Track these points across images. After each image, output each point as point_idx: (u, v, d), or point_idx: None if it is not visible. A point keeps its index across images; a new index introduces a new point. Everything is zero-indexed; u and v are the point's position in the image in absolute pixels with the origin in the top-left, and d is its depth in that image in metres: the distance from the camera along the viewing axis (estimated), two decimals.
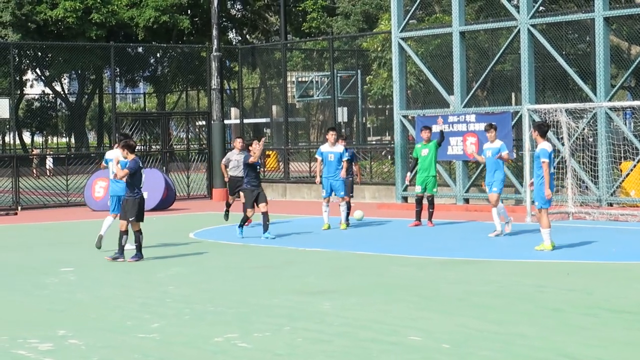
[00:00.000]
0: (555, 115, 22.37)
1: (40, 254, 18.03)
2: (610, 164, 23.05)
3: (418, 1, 27.11)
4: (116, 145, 19.03)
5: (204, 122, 35.63)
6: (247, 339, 9.82)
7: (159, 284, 13.85)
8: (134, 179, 16.18)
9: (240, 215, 20.46)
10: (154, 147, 44.53)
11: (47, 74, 61.77)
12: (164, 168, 32.28)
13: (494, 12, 28.64)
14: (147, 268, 15.59)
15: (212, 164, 32.42)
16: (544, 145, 16.35)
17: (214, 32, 32.52)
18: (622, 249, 16.69)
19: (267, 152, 27.64)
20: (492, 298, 11.87)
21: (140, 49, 62.77)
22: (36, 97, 68.27)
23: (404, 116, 27.02)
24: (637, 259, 15.31)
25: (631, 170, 22.79)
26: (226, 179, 22.42)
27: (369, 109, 45.35)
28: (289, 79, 35.77)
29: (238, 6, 63.07)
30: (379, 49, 34.57)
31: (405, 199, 26.88)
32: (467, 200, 25.81)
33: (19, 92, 59.85)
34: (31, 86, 70.52)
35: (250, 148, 19.07)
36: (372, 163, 31.37)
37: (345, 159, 21.01)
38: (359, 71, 36.63)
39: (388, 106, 41.31)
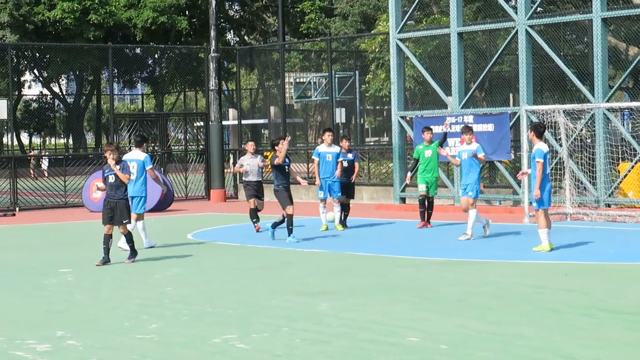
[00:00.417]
0: (553, 116, 22.38)
1: (39, 255, 18.02)
2: (608, 165, 23.06)
3: (416, 2, 27.13)
4: (134, 146, 19.08)
5: (202, 123, 35.62)
6: (245, 339, 9.82)
7: (157, 284, 13.85)
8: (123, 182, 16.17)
9: (270, 218, 20.08)
10: (151, 148, 44.58)
11: (45, 74, 61.76)
12: (162, 169, 32.28)
13: (492, 13, 28.65)
14: (146, 269, 15.59)
15: (210, 165, 32.42)
16: (539, 146, 16.37)
17: (212, 33, 32.52)
18: (619, 250, 16.70)
19: (264, 153, 27.57)
20: (490, 299, 11.88)
21: (138, 50, 62.76)
22: (34, 98, 68.26)
23: (402, 117, 27.03)
24: (635, 260, 15.33)
25: (629, 171, 22.80)
26: (241, 170, 21.20)
27: (366, 109, 45.37)
28: (286, 79, 35.78)
29: (236, 7, 63.07)
30: (377, 50, 34.59)
31: (403, 199, 26.89)
32: None
33: (16, 93, 59.84)
34: (29, 87, 70.52)
35: (276, 148, 18.70)
36: (370, 164, 31.36)
37: (341, 159, 20.94)
38: (356, 72, 36.64)
39: (386, 107, 41.31)
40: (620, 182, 23.00)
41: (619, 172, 23.30)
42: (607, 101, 22.99)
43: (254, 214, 20.76)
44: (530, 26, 24.20)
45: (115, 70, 58.50)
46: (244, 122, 41.01)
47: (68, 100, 67.31)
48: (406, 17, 27.30)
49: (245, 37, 62.75)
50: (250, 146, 21.39)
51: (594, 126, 23.13)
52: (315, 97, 37.29)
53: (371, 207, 26.83)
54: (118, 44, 52.14)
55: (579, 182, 23.22)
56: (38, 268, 16.01)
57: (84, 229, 22.29)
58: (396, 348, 9.25)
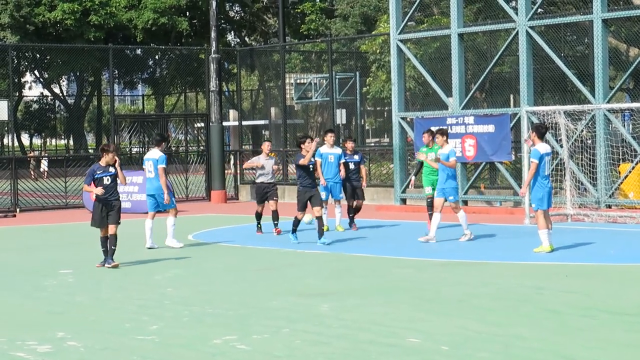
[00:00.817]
0: (554, 117, 22.39)
1: (39, 256, 18.02)
2: (608, 165, 23.06)
3: (416, 3, 27.13)
4: (154, 145, 19.20)
5: (202, 124, 35.62)
6: (246, 340, 9.83)
7: (157, 286, 13.85)
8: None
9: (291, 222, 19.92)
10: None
11: (46, 75, 61.76)
12: None
13: (493, 14, 28.64)
14: (146, 270, 15.59)
15: (211, 166, 32.42)
16: (537, 147, 16.37)
17: (213, 34, 32.52)
18: (620, 251, 16.70)
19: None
20: (491, 300, 11.88)
21: (138, 51, 62.75)
22: (35, 99, 68.25)
23: (403, 118, 27.03)
24: (636, 261, 15.32)
25: (630, 172, 22.79)
26: (258, 165, 20.61)
27: (367, 111, 45.34)
28: (287, 80, 35.77)
29: (237, 8, 63.06)
30: (378, 51, 34.58)
31: (404, 201, 26.89)
32: (465, 202, 25.81)
33: (17, 94, 59.85)
34: (30, 88, 70.52)
35: (302, 147, 18.52)
36: (370, 165, 31.35)
37: (340, 161, 20.89)
38: (357, 73, 36.64)
39: (386, 108, 41.30)
40: (621, 183, 23.00)
41: (619, 173, 23.30)
42: (608, 102, 22.99)
43: (259, 217, 20.70)
44: (530, 27, 24.21)
45: (116, 71, 58.50)
46: (244, 123, 41.02)
47: (69, 101, 67.30)
48: (407, 18, 27.30)
49: (246, 38, 62.76)
50: (266, 146, 20.94)
51: (595, 127, 23.12)
52: (316, 98, 37.26)
53: (372, 208, 26.82)
54: (119, 45, 52.12)
55: (580, 183, 23.22)
56: (38, 269, 16.01)
57: (84, 230, 22.26)
58: (396, 349, 9.26)
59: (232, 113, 47.60)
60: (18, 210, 29.14)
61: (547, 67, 26.62)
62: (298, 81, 38.28)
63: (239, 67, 37.39)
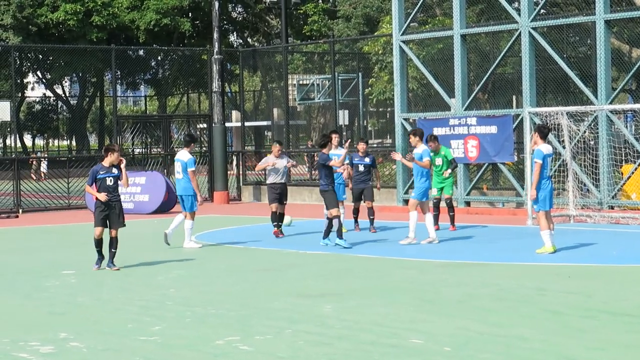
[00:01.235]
0: (557, 118, 22.38)
1: (41, 257, 18.04)
2: (611, 166, 23.05)
3: (419, 4, 27.13)
4: (183, 146, 19.28)
5: (205, 125, 35.65)
6: (248, 341, 9.83)
7: (159, 286, 13.86)
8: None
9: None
10: (155, 150, 44.60)
11: (48, 76, 61.79)
12: (165, 171, 32.29)
13: (495, 15, 28.65)
14: (148, 271, 15.60)
15: (213, 167, 32.44)
16: (540, 147, 16.36)
17: (215, 35, 32.54)
18: (622, 252, 16.68)
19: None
20: (492, 301, 11.88)
21: (141, 52, 62.68)
22: (37, 99, 68.31)
23: (405, 119, 27.03)
24: (638, 262, 15.32)
25: (632, 173, 22.79)
26: (269, 165, 20.40)
27: (370, 111, 45.36)
28: (290, 81, 35.78)
29: (239, 9, 63.07)
30: (380, 52, 34.58)
31: (406, 201, 26.86)
32: (468, 203, 25.82)
33: (20, 94, 59.85)
34: (32, 89, 70.57)
35: (327, 147, 18.43)
36: None
37: (347, 163, 20.87)
38: (359, 74, 36.65)
39: (389, 109, 41.32)
40: (624, 184, 22.99)
41: (622, 174, 23.29)
42: (610, 103, 22.99)
43: (275, 218, 20.37)
44: (533, 28, 24.21)
45: (118, 72, 58.48)
46: (247, 124, 41.03)
47: (71, 102, 67.33)
48: (409, 19, 27.30)
49: (249, 39, 62.76)
50: (276, 149, 20.59)
51: (597, 128, 23.11)
52: (319, 99, 37.29)
53: (374, 208, 26.77)
54: (121, 45, 52.14)
55: (582, 184, 23.22)
56: (40, 270, 16.03)
57: (86, 231, 22.24)
58: (398, 350, 9.26)
59: (235, 114, 47.63)
60: (21, 210, 29.17)
61: (550, 68, 26.63)
62: (300, 82, 38.31)
63: (242, 68, 37.41)
